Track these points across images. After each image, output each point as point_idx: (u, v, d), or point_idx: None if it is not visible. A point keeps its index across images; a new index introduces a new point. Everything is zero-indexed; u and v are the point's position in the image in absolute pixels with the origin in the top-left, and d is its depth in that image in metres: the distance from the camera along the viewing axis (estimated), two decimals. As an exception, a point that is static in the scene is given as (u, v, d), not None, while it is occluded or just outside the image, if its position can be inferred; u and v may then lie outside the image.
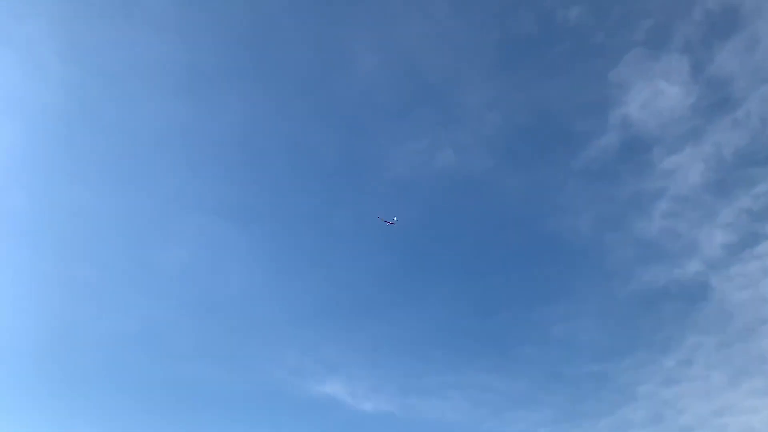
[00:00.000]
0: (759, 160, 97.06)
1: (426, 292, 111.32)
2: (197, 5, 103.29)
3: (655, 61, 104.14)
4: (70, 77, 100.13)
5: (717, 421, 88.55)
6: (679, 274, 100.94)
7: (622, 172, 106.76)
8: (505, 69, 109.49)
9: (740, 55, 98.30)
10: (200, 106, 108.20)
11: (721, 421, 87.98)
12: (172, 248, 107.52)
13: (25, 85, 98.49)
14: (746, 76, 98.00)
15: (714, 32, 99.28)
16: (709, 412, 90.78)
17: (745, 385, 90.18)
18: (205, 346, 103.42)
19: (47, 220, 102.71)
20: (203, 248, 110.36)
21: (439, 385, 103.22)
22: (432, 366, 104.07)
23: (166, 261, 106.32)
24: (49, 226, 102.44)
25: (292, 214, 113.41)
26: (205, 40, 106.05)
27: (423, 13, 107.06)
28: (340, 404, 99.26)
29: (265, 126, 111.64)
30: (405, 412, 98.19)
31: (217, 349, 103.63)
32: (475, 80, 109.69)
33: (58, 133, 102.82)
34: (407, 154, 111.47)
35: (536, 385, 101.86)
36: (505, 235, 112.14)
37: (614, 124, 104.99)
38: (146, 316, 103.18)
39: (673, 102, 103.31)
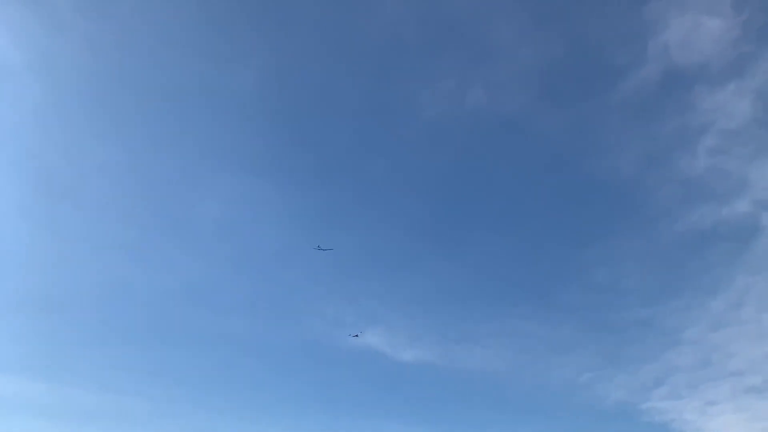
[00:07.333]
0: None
1: (463, 239, 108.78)
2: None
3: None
4: (89, 31, 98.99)
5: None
6: (727, 213, 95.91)
7: (664, 106, 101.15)
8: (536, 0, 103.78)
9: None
10: (220, 59, 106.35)
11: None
12: (206, 205, 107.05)
13: (46, 41, 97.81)
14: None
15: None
16: (762, 356, 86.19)
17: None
18: (246, 301, 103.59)
19: (81, 180, 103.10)
20: (237, 204, 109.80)
21: (480, 333, 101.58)
22: (472, 315, 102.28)
23: (202, 218, 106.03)
24: (83, 186, 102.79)
25: (322, 164, 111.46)
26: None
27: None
28: (380, 355, 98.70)
29: (288, 76, 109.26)
30: (445, 361, 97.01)
31: (258, 303, 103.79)
32: (505, 14, 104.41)
33: (83, 91, 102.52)
34: (437, 95, 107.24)
35: (579, 331, 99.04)
36: (542, 176, 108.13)
37: (654, 55, 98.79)
38: (187, 273, 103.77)
39: (715, 34, 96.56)
